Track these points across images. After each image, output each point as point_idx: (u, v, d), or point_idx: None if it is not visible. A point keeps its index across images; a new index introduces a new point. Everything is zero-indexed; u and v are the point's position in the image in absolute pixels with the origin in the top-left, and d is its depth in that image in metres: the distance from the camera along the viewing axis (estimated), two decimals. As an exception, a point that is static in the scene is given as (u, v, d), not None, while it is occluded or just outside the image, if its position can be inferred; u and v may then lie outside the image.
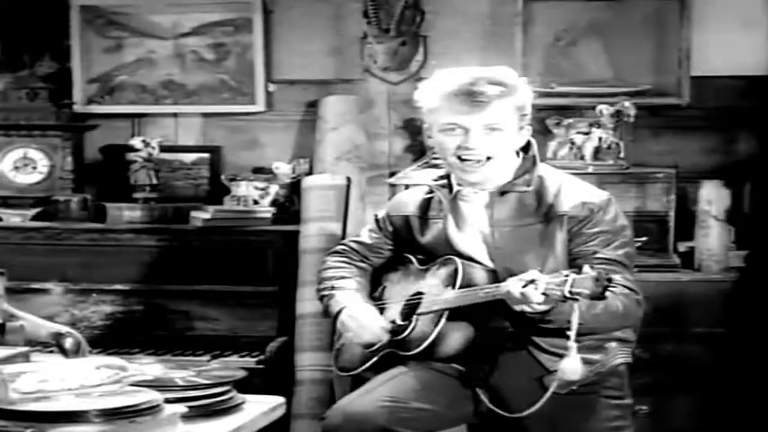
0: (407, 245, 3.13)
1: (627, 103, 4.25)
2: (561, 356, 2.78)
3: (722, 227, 4.22)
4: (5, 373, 2.19)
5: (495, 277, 2.88)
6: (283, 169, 4.63)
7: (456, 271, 2.90)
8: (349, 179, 4.40)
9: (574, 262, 2.84)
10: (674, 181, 4.23)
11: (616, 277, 2.67)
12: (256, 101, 4.76)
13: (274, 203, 4.58)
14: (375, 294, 3.17)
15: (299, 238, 4.32)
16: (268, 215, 4.49)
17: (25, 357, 2.69)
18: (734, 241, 4.28)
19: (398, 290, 3.10)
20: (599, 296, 2.56)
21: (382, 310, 3.08)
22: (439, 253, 3.00)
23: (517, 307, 2.69)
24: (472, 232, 2.98)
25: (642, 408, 3.98)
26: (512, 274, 2.78)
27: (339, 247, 3.27)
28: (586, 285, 2.55)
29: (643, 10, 4.46)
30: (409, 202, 3.16)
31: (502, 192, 2.94)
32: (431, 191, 3.10)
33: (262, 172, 4.71)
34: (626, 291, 2.81)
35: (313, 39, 4.73)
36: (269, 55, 4.75)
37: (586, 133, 4.31)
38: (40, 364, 2.33)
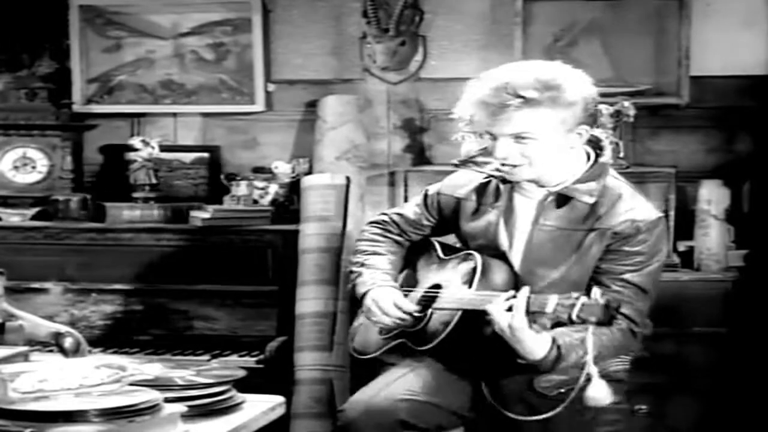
0: (449, 227, 3.07)
1: (627, 103, 4.24)
2: None
3: (722, 227, 4.22)
4: (5, 373, 2.19)
5: (516, 279, 2.83)
6: (283, 168, 4.63)
7: (474, 270, 2.85)
8: (348, 179, 4.39)
9: (596, 276, 2.79)
10: (674, 180, 4.23)
11: (623, 309, 2.65)
12: (256, 101, 4.75)
13: (273, 203, 4.58)
14: (406, 272, 3.11)
15: (299, 238, 4.32)
16: (268, 215, 4.49)
17: (24, 356, 2.69)
18: (734, 240, 4.28)
19: (421, 276, 3.06)
20: (606, 323, 2.53)
21: (407, 294, 3.01)
22: (479, 242, 2.93)
23: (497, 327, 2.67)
24: (519, 228, 2.89)
25: (642, 408, 3.98)
26: (532, 277, 2.78)
27: (379, 218, 3.20)
28: (594, 312, 2.51)
29: (642, 10, 4.46)
30: (464, 184, 3.04)
31: (561, 196, 2.83)
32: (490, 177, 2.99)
33: (261, 171, 4.71)
34: (623, 326, 2.75)
35: (312, 39, 4.73)
36: (268, 55, 4.75)
37: (586, 133, 4.30)
38: (40, 364, 2.34)
